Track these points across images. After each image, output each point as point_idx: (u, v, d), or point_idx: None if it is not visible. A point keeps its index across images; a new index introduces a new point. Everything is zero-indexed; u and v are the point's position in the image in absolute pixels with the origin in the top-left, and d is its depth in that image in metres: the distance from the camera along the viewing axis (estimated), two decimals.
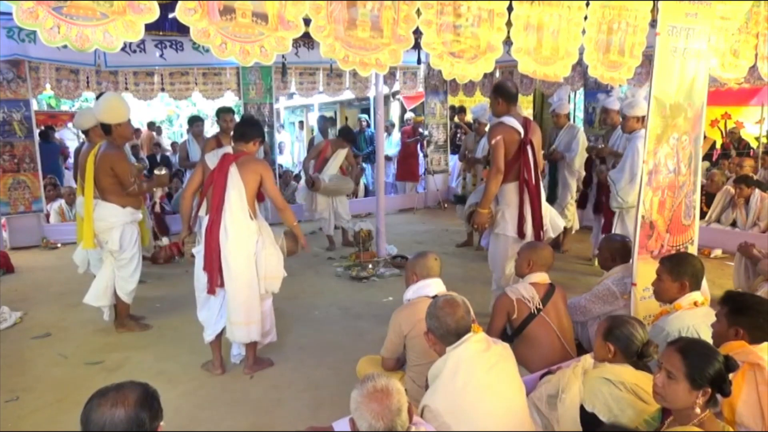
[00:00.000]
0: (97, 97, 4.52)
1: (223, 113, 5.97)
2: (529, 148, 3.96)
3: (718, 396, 1.91)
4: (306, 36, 2.46)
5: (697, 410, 1.85)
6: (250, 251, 3.46)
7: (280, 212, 3.68)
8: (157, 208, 7.27)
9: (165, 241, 6.34)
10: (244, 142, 3.54)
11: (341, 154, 6.72)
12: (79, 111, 5.29)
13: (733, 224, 6.57)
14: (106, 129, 4.13)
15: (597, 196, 5.78)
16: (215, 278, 3.45)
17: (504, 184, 4.01)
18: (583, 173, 6.14)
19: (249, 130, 3.59)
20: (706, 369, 1.84)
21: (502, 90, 4.05)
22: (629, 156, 4.89)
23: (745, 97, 9.45)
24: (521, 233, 3.98)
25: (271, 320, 3.75)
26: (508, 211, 4.04)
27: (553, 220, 4.23)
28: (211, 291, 3.50)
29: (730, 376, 1.90)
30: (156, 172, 4.69)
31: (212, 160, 3.52)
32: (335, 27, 2.50)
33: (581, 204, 6.23)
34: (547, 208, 4.17)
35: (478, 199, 4.18)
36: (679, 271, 2.86)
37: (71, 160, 8.78)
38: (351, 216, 7.07)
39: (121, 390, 1.58)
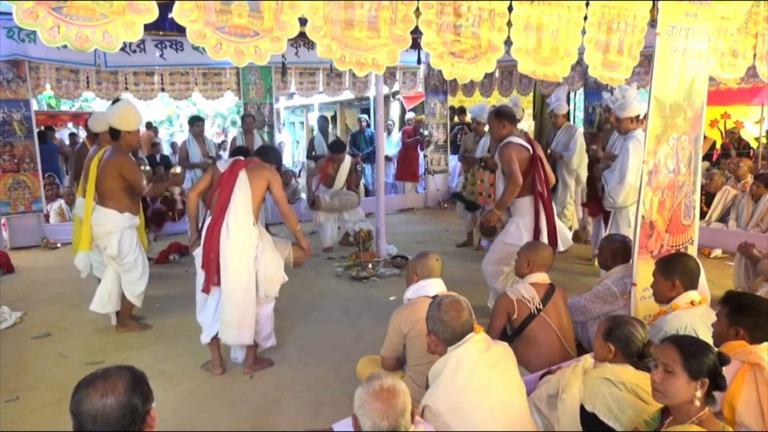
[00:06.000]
0: (113, 102, 4.59)
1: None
2: (539, 162, 4.15)
3: (716, 395, 1.92)
4: (306, 36, 2.46)
5: (697, 403, 1.86)
6: (250, 254, 3.47)
7: (284, 217, 3.78)
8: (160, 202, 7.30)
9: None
10: (261, 159, 3.72)
11: (345, 167, 6.75)
12: (93, 113, 5.37)
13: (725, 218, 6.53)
14: (114, 134, 4.14)
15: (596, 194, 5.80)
16: (212, 277, 3.46)
17: (518, 198, 4.14)
18: (584, 174, 6.13)
19: (272, 153, 3.91)
20: (702, 358, 1.87)
21: (506, 113, 4.27)
22: (621, 157, 4.87)
23: (745, 96, 9.45)
24: None
25: (271, 325, 3.75)
26: (523, 222, 4.15)
27: (563, 233, 4.32)
28: (206, 289, 3.51)
29: (729, 374, 1.90)
30: (172, 171, 4.79)
31: (223, 165, 3.62)
32: (332, 27, 2.49)
33: (593, 212, 6.04)
34: (557, 221, 4.28)
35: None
36: (669, 269, 2.89)
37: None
38: (362, 218, 6.92)
39: (108, 377, 1.55)
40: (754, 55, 3.89)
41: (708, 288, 3.60)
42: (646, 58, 4.29)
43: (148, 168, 5.54)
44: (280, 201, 3.66)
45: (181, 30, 2.27)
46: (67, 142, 10.49)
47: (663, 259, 3.02)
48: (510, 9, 2.88)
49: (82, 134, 11.19)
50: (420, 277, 2.88)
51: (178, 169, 4.78)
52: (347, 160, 6.82)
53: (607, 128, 6.94)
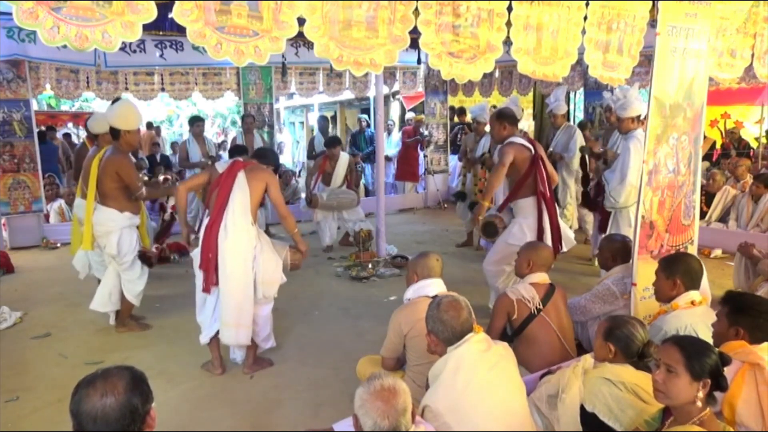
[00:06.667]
0: (113, 102, 4.60)
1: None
2: (540, 162, 4.15)
3: (717, 395, 1.92)
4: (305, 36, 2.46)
5: (699, 404, 1.86)
6: (248, 255, 3.47)
7: (281, 219, 3.79)
8: (167, 216, 7.28)
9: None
10: (259, 161, 3.75)
11: (342, 163, 6.75)
12: (93, 114, 5.38)
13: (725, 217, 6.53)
14: (114, 134, 4.15)
15: (594, 194, 5.81)
16: (211, 277, 3.47)
17: (521, 199, 4.16)
18: (580, 172, 6.15)
19: (270, 155, 3.95)
20: (704, 359, 1.87)
21: (507, 115, 4.29)
22: (622, 156, 4.87)
23: (745, 96, 9.45)
24: None
25: (270, 326, 3.75)
26: (526, 222, 4.15)
27: (565, 234, 4.32)
28: (206, 289, 3.51)
29: (729, 375, 1.90)
30: (162, 177, 4.79)
31: (221, 166, 3.63)
32: (330, 27, 2.50)
33: (584, 203, 6.20)
34: (559, 222, 4.29)
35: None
36: (671, 269, 2.89)
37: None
38: (362, 218, 6.91)
39: (108, 377, 1.55)
40: (752, 55, 3.89)
41: (708, 288, 3.60)
42: (646, 58, 4.29)
43: (145, 178, 5.55)
44: (278, 203, 3.68)
45: (181, 30, 2.28)
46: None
47: (665, 258, 3.02)
48: (509, 9, 2.88)
49: (81, 134, 11.21)
50: (420, 277, 2.88)
51: (165, 177, 4.83)
52: (344, 156, 6.82)
53: (597, 128, 6.95)
